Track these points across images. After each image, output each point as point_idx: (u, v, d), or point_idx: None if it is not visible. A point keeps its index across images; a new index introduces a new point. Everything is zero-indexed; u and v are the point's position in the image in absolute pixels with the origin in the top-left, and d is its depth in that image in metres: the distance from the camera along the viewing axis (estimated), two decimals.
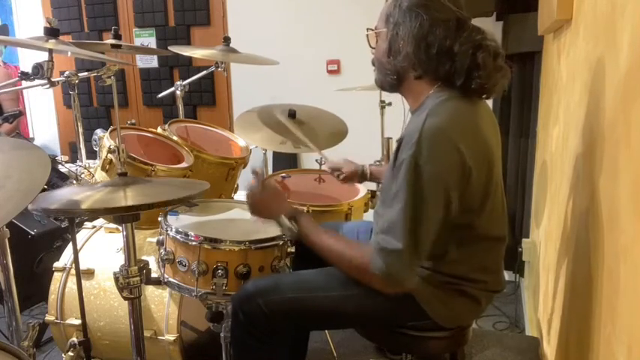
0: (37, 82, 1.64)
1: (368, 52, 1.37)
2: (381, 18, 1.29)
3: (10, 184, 1.02)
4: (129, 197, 1.25)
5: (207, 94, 3.93)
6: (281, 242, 1.50)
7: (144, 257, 1.45)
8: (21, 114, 3.22)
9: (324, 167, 1.97)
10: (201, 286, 1.44)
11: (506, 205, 1.32)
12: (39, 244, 2.43)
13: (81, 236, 2.05)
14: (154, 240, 1.62)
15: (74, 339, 1.82)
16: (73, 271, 1.92)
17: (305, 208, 1.88)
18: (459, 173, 1.15)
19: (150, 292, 1.86)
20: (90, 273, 1.93)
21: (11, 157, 1.12)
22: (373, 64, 1.35)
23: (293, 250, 1.54)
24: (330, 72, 3.58)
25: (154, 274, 1.50)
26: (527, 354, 1.98)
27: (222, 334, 1.53)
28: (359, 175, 1.84)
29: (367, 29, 1.34)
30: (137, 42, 3.98)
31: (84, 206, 1.21)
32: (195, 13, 3.83)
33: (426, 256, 1.19)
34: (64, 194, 1.31)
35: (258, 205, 1.43)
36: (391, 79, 1.30)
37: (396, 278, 1.16)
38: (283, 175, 2.22)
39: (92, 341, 1.86)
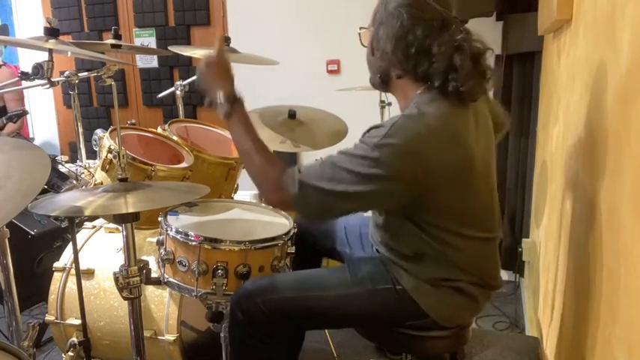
0: (37, 82, 1.64)
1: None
2: (371, 17, 1.30)
3: (10, 184, 1.02)
4: (130, 204, 1.26)
5: None
6: (281, 242, 1.49)
7: (144, 257, 1.45)
8: (25, 113, 3.23)
9: None
10: (201, 286, 1.44)
11: (497, 205, 1.32)
12: (39, 244, 2.43)
13: (81, 236, 2.05)
14: (154, 240, 1.62)
15: (74, 339, 1.83)
16: (73, 271, 1.91)
17: None
18: (410, 176, 1.15)
19: (150, 292, 1.86)
20: (90, 273, 1.93)
21: (11, 157, 1.12)
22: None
23: (293, 250, 1.54)
24: (330, 72, 3.58)
25: (154, 274, 1.50)
26: (527, 354, 1.98)
27: (222, 334, 1.53)
28: None
29: (360, 28, 1.35)
30: (137, 42, 3.98)
31: (86, 213, 1.25)
32: (195, 13, 3.83)
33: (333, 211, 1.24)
34: (66, 200, 1.31)
35: (207, 72, 1.38)
36: (378, 78, 1.32)
37: (296, 206, 1.21)
38: None
39: (92, 341, 1.86)
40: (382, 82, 1.31)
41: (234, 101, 1.33)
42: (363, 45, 1.35)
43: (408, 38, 1.19)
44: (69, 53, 1.75)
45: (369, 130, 1.19)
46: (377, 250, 1.38)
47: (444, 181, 1.17)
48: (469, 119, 1.23)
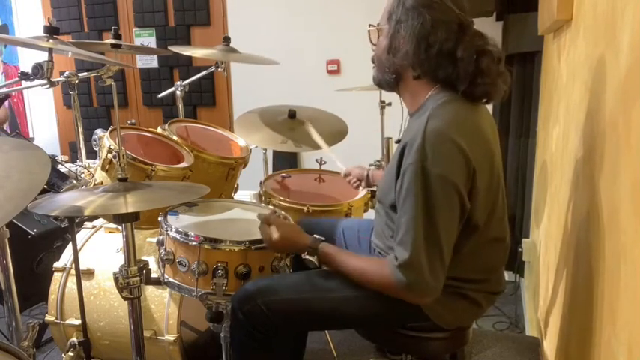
0: (37, 82, 1.64)
1: (368, 52, 1.37)
2: (384, 15, 1.29)
3: (10, 184, 1.02)
4: (129, 204, 1.26)
5: (207, 94, 3.93)
6: None
7: (144, 257, 1.45)
8: (7, 97, 3.19)
9: (344, 172, 1.98)
10: (201, 286, 1.44)
11: (506, 206, 1.32)
12: (39, 244, 2.43)
13: (81, 236, 2.05)
14: (154, 240, 1.62)
15: (74, 339, 1.83)
16: (73, 271, 1.92)
17: (305, 208, 1.88)
18: (464, 174, 1.14)
19: (150, 292, 1.86)
20: (90, 273, 1.93)
21: (11, 157, 1.12)
22: (373, 61, 1.35)
23: None
24: (330, 72, 3.59)
25: (154, 274, 1.50)
26: (527, 354, 1.98)
27: (222, 334, 1.53)
28: (365, 180, 1.87)
29: (369, 25, 1.33)
30: (137, 42, 3.98)
31: (86, 213, 1.25)
32: (195, 13, 3.83)
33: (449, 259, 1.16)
34: (66, 200, 1.31)
35: (276, 246, 1.40)
36: (389, 77, 1.30)
37: (420, 287, 1.14)
38: (283, 175, 2.22)
39: (92, 341, 1.86)
40: (394, 81, 1.30)
41: (316, 250, 1.32)
42: (372, 43, 1.34)
43: (429, 39, 1.18)
44: (69, 54, 1.75)
45: (401, 153, 1.16)
46: (380, 253, 1.37)
47: (480, 176, 1.17)
48: (484, 117, 1.25)
